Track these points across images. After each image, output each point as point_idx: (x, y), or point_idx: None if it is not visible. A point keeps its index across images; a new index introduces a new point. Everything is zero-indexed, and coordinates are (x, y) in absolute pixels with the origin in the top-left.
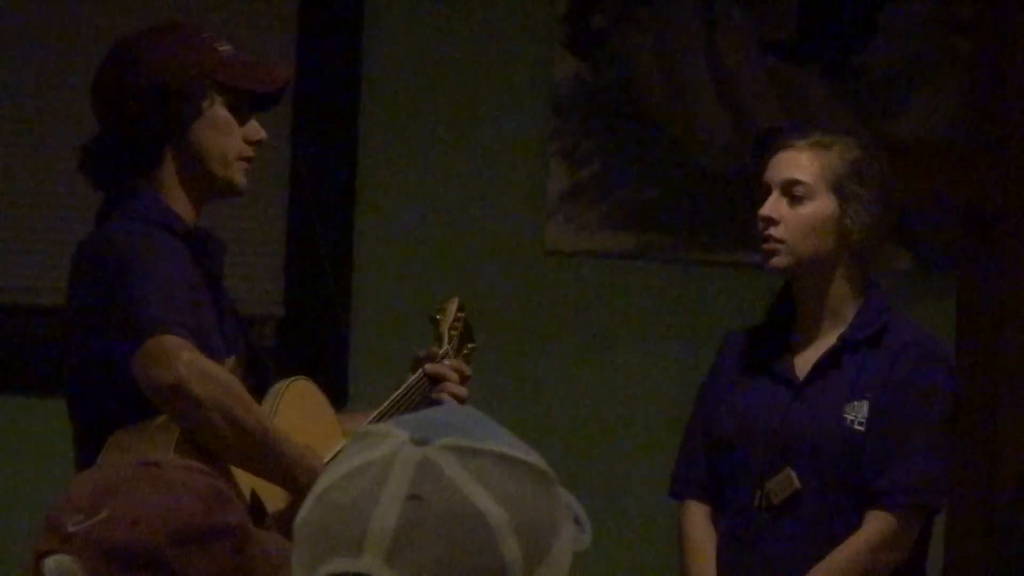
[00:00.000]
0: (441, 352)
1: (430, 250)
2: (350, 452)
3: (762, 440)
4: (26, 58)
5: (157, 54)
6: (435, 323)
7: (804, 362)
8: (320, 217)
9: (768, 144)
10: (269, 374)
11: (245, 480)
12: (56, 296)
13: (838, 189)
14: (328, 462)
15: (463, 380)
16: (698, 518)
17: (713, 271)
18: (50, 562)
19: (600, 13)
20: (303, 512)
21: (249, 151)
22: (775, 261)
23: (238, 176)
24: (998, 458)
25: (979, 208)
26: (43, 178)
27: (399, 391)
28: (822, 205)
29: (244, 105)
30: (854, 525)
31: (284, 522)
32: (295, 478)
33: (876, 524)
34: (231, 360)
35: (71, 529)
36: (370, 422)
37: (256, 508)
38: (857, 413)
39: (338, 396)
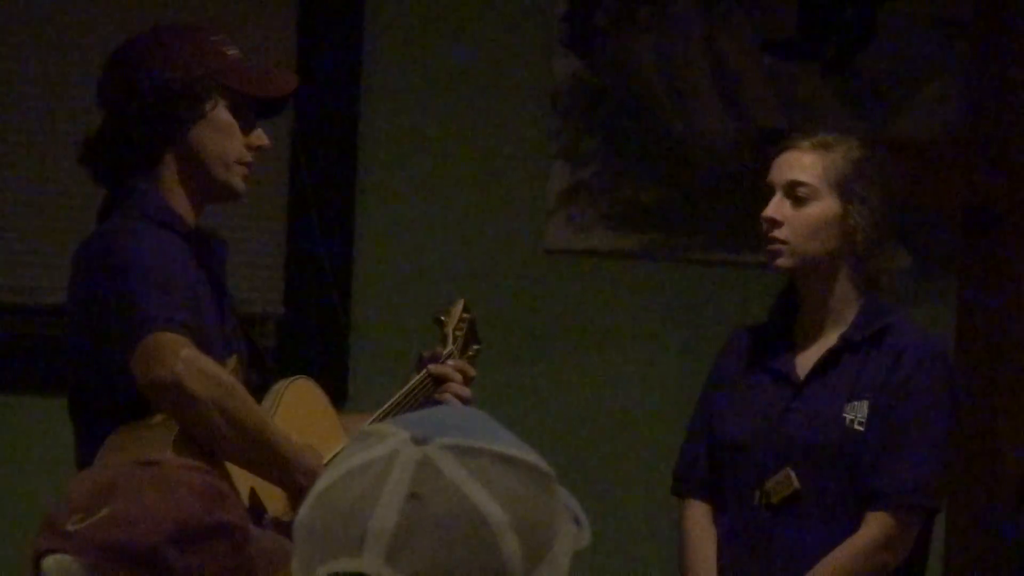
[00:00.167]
0: (445, 352)
1: (430, 250)
2: (350, 451)
3: (762, 439)
4: (27, 57)
5: (164, 53)
6: (440, 324)
7: (805, 361)
8: (320, 217)
9: (771, 145)
10: (269, 374)
11: (244, 479)
12: (56, 296)
13: (841, 190)
14: (328, 462)
15: (467, 381)
16: (698, 517)
17: (713, 271)
18: (50, 561)
19: (600, 13)
20: (303, 512)
21: (249, 156)
22: (779, 262)
23: (237, 180)
24: (998, 458)
25: (979, 208)
26: (43, 178)
27: (402, 391)
28: (825, 206)
29: (248, 111)
30: (853, 525)
31: (283, 521)
32: (294, 477)
33: (876, 525)
34: (232, 360)
35: (71, 528)
36: (372, 422)
37: (255, 507)
38: (857, 413)
39: (338, 396)
